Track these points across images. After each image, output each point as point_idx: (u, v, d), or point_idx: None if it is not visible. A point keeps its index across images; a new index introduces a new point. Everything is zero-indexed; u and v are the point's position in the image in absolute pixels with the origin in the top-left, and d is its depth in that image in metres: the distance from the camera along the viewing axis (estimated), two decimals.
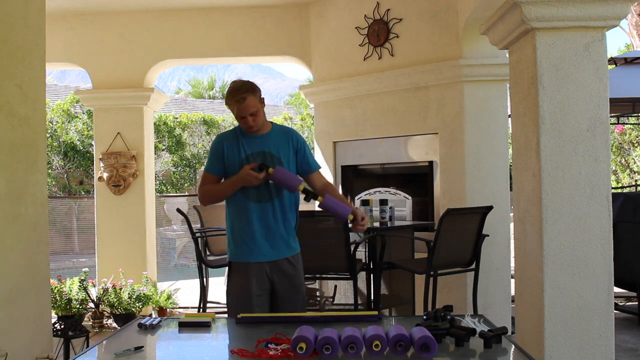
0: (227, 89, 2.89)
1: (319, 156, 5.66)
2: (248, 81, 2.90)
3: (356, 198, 5.16)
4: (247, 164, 2.84)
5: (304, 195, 2.79)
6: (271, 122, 3.00)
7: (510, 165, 4.15)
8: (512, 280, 3.78)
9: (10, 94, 2.87)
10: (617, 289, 5.40)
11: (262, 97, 2.90)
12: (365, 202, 4.44)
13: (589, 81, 2.86)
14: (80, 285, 5.39)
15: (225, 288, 2.99)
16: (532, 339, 2.97)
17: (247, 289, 2.83)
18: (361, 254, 4.31)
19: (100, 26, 5.93)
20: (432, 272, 3.90)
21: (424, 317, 2.04)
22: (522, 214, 3.10)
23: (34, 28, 3.09)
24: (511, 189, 3.88)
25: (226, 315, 2.85)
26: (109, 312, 5.58)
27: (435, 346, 1.77)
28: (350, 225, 2.82)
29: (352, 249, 3.88)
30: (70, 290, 5.33)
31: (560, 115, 2.86)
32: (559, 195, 2.85)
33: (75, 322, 4.38)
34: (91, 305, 5.50)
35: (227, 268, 3.00)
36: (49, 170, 11.85)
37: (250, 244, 2.85)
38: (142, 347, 1.98)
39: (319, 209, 2.86)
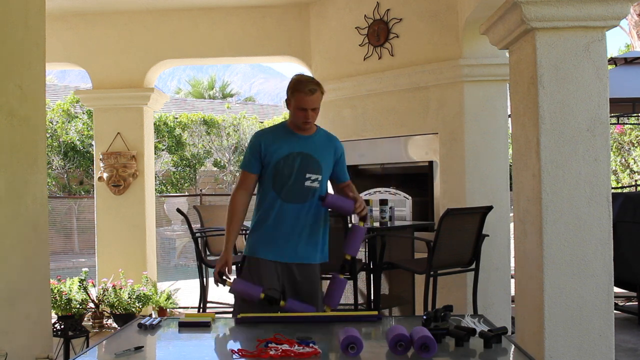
0: (295, 78, 2.81)
1: None
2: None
3: None
4: (287, 162, 2.81)
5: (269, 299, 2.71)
6: (316, 125, 2.94)
7: (510, 165, 4.15)
8: (512, 280, 3.78)
9: (10, 94, 2.87)
10: (617, 289, 5.40)
11: None
12: (365, 202, 4.42)
13: (589, 81, 2.86)
14: (80, 285, 5.39)
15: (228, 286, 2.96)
16: (532, 339, 2.97)
17: (257, 283, 2.80)
18: (361, 254, 4.31)
19: (100, 26, 5.93)
20: (432, 272, 3.89)
21: (424, 317, 2.04)
22: (522, 214, 3.10)
23: (34, 28, 3.09)
24: (511, 189, 3.88)
25: (225, 316, 2.85)
26: (109, 312, 5.58)
27: (435, 346, 1.77)
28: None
29: None
30: (70, 290, 5.33)
31: (560, 115, 2.86)
32: (559, 195, 2.85)
33: (75, 322, 4.37)
34: (91, 305, 5.50)
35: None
36: (49, 170, 11.85)
37: (268, 242, 2.83)
38: (142, 347, 1.98)
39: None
